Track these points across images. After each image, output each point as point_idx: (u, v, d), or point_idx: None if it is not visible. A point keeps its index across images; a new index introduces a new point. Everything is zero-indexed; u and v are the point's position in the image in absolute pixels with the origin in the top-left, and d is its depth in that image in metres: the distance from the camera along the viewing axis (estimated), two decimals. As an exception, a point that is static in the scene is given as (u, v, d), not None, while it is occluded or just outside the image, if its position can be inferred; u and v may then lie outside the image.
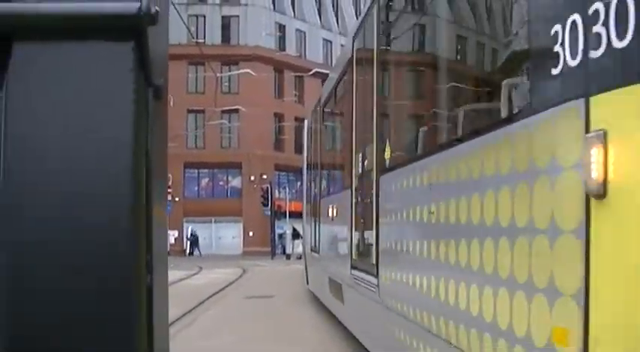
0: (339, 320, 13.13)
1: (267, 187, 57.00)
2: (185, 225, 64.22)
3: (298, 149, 59.92)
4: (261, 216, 61.08)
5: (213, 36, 66.65)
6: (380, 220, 8.34)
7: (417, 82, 8.06)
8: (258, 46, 66.27)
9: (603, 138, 3.06)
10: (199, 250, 62.77)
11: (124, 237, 1.53)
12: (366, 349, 9.90)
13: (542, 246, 3.71)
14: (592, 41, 3.19)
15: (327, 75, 59.01)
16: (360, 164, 10.06)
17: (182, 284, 25.96)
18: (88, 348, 1.52)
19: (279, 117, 67.35)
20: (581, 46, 3.30)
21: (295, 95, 69.23)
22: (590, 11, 3.18)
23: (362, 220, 9.77)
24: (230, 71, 62.62)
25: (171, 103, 62.36)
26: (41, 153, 1.52)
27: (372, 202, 8.75)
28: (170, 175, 61.82)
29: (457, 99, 6.22)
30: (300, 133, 65.52)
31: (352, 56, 11.20)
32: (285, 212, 57.99)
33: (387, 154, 8.19)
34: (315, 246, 17.27)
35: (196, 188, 67.14)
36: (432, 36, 7.29)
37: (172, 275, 29.27)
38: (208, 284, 24.93)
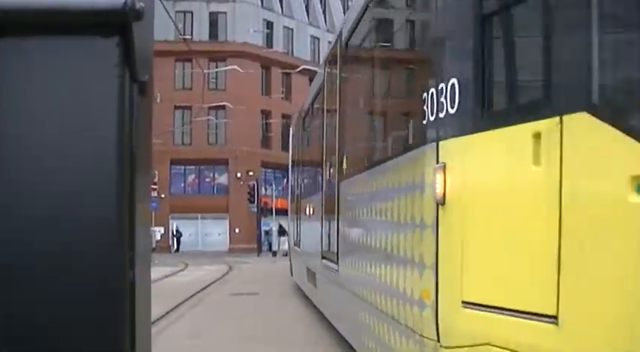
0: (325, 317, 13.23)
1: (254, 184, 57.04)
2: (171, 221, 64.24)
3: (285, 146, 59.90)
4: (247, 212, 61.19)
5: (201, 32, 66.64)
6: (340, 218, 10.75)
7: (359, 114, 10.41)
8: (245, 42, 66.26)
9: (444, 168, 5.26)
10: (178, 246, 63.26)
11: (107, 234, 1.52)
12: (345, 339, 10.17)
13: (418, 236, 5.89)
14: (440, 106, 5.46)
15: (314, 72, 59.62)
16: (328, 172, 12.65)
17: (168, 281, 25.97)
18: (72, 347, 1.51)
19: (266, 114, 67.37)
20: (435, 109, 5.57)
21: (282, 92, 69.30)
22: (439, 88, 5.44)
23: (329, 218, 12.18)
24: (217, 67, 62.54)
25: (158, 99, 62.28)
26: (22, 150, 1.51)
27: (335, 203, 11.13)
28: (156, 172, 61.92)
29: (381, 133, 9.11)
30: (287, 130, 65.78)
31: (323, 81, 13.92)
32: (272, 209, 58.04)
33: (344, 166, 10.72)
34: (297, 240, 19.95)
35: (183, 184, 67.16)
36: (368, 87, 9.92)
37: (158, 271, 29.33)
38: (194, 281, 24.93)
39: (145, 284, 1.76)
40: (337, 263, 10.77)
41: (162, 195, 63.02)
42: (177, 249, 62.69)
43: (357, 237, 9.25)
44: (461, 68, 5.27)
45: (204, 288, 21.64)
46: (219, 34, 67.88)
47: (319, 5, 76.81)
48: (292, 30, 72.70)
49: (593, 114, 3.95)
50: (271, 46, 68.38)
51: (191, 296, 18.77)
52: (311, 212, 15.90)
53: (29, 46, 1.51)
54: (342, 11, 76.76)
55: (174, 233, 64.08)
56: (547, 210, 4.20)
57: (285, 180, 58.68)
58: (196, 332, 12.94)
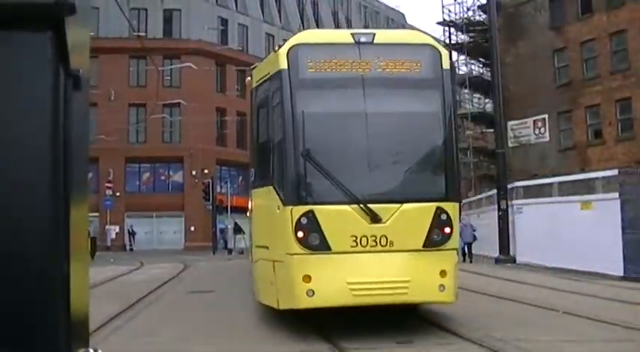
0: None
1: (209, 182, 56.85)
2: (126, 220, 63.90)
3: (240, 144, 59.84)
4: (202, 210, 61.00)
5: (155, 29, 66.30)
6: (253, 216, 16.88)
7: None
8: (200, 39, 66.11)
9: (252, 200, 15.49)
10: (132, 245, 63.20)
11: (39, 226, 1.51)
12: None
13: (251, 224, 16.60)
14: (253, 176, 15.10)
15: None
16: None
17: (123, 279, 25.81)
18: (3, 343, 1.50)
19: (221, 111, 67.21)
20: (253, 176, 15.09)
21: (238, 89, 69.08)
22: (254, 168, 15.08)
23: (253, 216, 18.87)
24: (172, 65, 62.33)
25: (112, 97, 62.02)
26: None
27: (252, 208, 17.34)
28: (111, 170, 61.64)
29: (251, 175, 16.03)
30: (242, 128, 65.63)
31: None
32: (227, 207, 57.81)
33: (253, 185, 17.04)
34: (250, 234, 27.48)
35: (138, 183, 66.88)
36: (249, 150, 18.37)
37: (113, 270, 29.18)
38: (150, 279, 24.77)
39: (81, 277, 1.76)
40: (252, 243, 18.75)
41: (118, 194, 62.74)
42: (132, 248, 62.34)
43: (251, 226, 18.02)
44: (252, 165, 15.18)
45: (159, 287, 21.53)
46: (173, 31, 67.68)
47: (274, 2, 76.69)
48: (247, 27, 72.59)
49: (272, 186, 12.62)
50: (226, 43, 68.20)
51: (146, 295, 18.67)
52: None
53: None
54: (296, 8, 76.77)
55: (130, 231, 63.75)
56: (270, 214, 12.89)
57: (241, 178, 58.54)
58: (151, 331, 12.90)
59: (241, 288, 20.22)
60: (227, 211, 57.89)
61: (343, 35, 14.02)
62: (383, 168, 12.61)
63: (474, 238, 37.51)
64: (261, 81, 14.08)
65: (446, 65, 13.17)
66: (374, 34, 13.38)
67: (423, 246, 12.02)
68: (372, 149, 12.50)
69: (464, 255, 38.43)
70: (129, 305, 16.21)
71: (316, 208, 11.93)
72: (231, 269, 29.78)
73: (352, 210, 11.94)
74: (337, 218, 11.98)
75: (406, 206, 12.08)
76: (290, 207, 11.98)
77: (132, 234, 64.02)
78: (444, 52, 13.46)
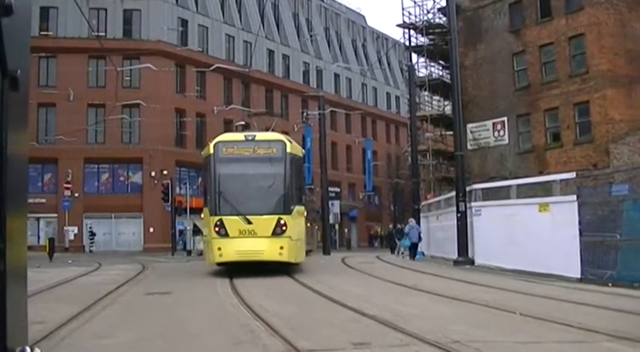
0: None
1: (168, 183, 56.64)
2: (85, 221, 63.50)
3: (200, 145, 59.49)
4: (161, 212, 60.76)
5: (115, 29, 65.94)
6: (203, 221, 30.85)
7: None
8: (160, 40, 65.85)
9: (202, 213, 28.07)
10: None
11: None
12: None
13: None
14: (204, 201, 28.17)
15: (229, 71, 62.08)
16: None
17: (80, 281, 25.62)
18: None
19: (180, 112, 66.97)
20: (205, 201, 27.40)
21: (197, 90, 68.94)
22: (203, 200, 28.96)
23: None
24: (131, 65, 61.96)
25: (71, 98, 61.58)
26: None
27: (202, 217, 30.27)
28: (70, 170, 61.22)
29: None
30: (201, 129, 65.35)
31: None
32: (186, 208, 57.62)
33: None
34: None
35: (96, 184, 66.43)
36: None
37: (71, 271, 28.99)
38: (107, 280, 24.62)
39: (18, 273, 1.73)
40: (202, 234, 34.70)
41: (76, 195, 62.33)
42: (91, 249, 61.99)
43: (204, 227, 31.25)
44: (204, 195, 28.67)
45: (117, 288, 21.40)
46: (133, 31, 67.30)
47: (234, 4, 76.54)
48: (207, 28, 72.37)
49: (208, 207, 26.11)
50: (186, 44, 68.03)
51: (103, 297, 18.53)
52: None
53: None
54: (257, 10, 76.58)
55: (90, 232, 63.44)
56: (207, 220, 26.43)
57: (200, 180, 58.23)
58: (107, 333, 12.79)
59: (197, 288, 20.19)
60: (186, 212, 57.73)
61: (240, 136, 26.97)
62: (254, 200, 24.98)
63: (420, 239, 40.13)
64: (204, 156, 26.87)
65: (289, 150, 25.71)
66: (255, 135, 26.57)
67: (271, 235, 24.52)
68: (250, 191, 25.21)
69: (411, 252, 40.15)
70: (86, 306, 16.07)
71: (223, 217, 24.76)
72: (189, 271, 29.76)
73: (239, 219, 24.57)
74: (232, 222, 24.60)
75: (264, 217, 24.71)
76: (212, 217, 24.97)
77: (92, 234, 63.65)
78: (288, 143, 25.99)
